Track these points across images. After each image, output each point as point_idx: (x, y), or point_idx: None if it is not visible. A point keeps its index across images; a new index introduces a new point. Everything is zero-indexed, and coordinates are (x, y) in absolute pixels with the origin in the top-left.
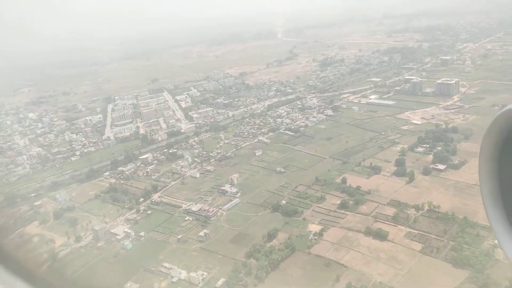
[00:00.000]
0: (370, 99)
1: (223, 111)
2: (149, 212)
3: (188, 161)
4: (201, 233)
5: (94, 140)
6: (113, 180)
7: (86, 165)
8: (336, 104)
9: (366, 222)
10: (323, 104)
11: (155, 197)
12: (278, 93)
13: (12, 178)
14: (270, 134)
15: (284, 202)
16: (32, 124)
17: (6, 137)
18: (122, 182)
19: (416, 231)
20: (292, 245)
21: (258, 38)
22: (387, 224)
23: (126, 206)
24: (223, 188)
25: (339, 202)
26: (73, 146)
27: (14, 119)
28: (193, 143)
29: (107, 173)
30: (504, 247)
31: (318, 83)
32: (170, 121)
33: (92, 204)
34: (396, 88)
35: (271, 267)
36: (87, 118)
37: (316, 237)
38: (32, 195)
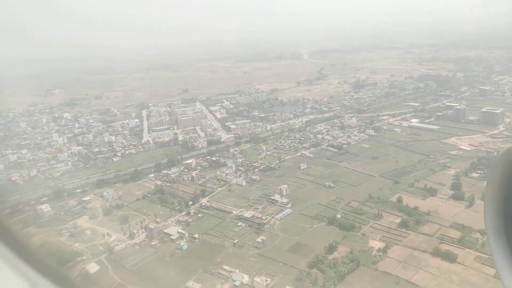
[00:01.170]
0: (412, 122)
1: (260, 124)
2: (199, 215)
3: (232, 169)
4: (258, 239)
5: (134, 143)
6: (158, 182)
7: (129, 166)
8: (376, 125)
9: (431, 243)
10: (362, 124)
11: (203, 201)
12: (314, 111)
13: (56, 174)
14: (312, 149)
15: (339, 216)
16: (68, 124)
17: (43, 134)
18: (168, 184)
19: (486, 256)
20: (357, 259)
21: (284, 58)
22: (454, 246)
23: (175, 208)
24: (272, 197)
25: (398, 220)
26: (113, 147)
27: (49, 118)
28: (235, 152)
29: (151, 175)
30: (505, 282)
31: (354, 104)
32: (208, 130)
33: (140, 204)
34: (438, 113)
35: (338, 279)
36: (124, 121)
37: (380, 254)
38: (78, 191)
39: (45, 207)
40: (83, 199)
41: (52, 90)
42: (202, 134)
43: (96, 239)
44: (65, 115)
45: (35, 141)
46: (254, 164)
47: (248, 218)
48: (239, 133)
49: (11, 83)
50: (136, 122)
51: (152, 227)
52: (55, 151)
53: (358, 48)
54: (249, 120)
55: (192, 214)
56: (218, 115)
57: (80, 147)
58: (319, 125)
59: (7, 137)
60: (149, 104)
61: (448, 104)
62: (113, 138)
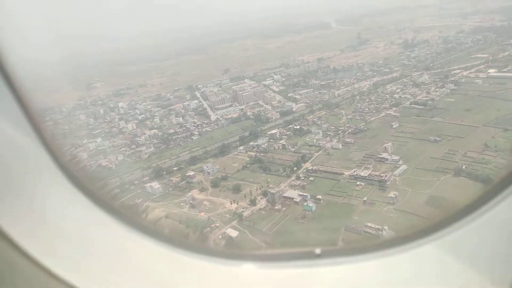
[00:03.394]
0: (490, 73)
1: (324, 91)
2: (311, 179)
3: (319, 135)
4: (390, 195)
5: (206, 121)
6: (251, 153)
7: (211, 142)
8: (452, 79)
9: None
10: (436, 79)
11: (306, 166)
12: (374, 73)
13: (143, 156)
14: (394, 108)
15: (464, 167)
16: (127, 112)
17: (108, 123)
18: (261, 154)
19: None
20: None
21: (311, 29)
22: None
23: (282, 174)
24: (380, 156)
25: None
26: (187, 127)
27: (105, 108)
28: (313, 119)
29: (241, 148)
30: None
31: (415, 62)
32: (273, 102)
33: (243, 174)
34: None
35: None
36: (184, 103)
37: None
38: (174, 168)
39: (154, 184)
40: (187, 174)
41: (93, 83)
42: (268, 107)
43: (218, 208)
44: (120, 104)
45: (104, 130)
46: (340, 128)
47: (365, 176)
48: (307, 101)
49: (49, 81)
50: (196, 103)
51: (273, 191)
52: (130, 136)
53: (386, 10)
54: (312, 89)
55: (302, 178)
56: (275, 88)
57: (154, 130)
58: (388, 85)
59: (73, 129)
60: (198, 86)
61: None
62: (180, 119)
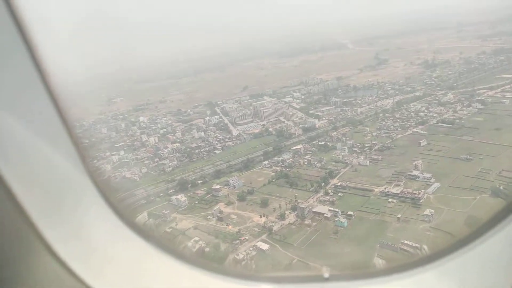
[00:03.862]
0: None
1: (346, 108)
2: (340, 194)
3: (345, 151)
4: (426, 213)
5: (228, 136)
6: (277, 168)
7: (234, 156)
8: (478, 98)
9: None
10: (462, 99)
11: (334, 182)
12: (396, 92)
13: (167, 169)
14: (420, 127)
15: (501, 187)
16: (149, 126)
17: (130, 137)
18: (287, 169)
19: None
20: None
21: (327, 49)
22: None
23: (309, 190)
24: (410, 173)
25: None
26: (209, 141)
27: (126, 122)
28: (337, 136)
29: (265, 162)
30: None
31: (438, 82)
32: (294, 119)
33: (269, 188)
34: None
35: None
36: (205, 119)
37: None
38: (199, 182)
39: (181, 197)
40: (212, 187)
41: (113, 99)
42: (290, 123)
43: (246, 222)
44: (141, 118)
45: (126, 143)
46: (366, 145)
47: (397, 193)
48: (330, 118)
49: (68, 96)
50: (217, 118)
51: (303, 206)
52: (153, 149)
53: (402, 32)
54: (334, 106)
55: (331, 194)
56: (295, 105)
57: (177, 144)
58: (412, 104)
59: (95, 142)
60: (218, 102)
61: None
62: (202, 134)
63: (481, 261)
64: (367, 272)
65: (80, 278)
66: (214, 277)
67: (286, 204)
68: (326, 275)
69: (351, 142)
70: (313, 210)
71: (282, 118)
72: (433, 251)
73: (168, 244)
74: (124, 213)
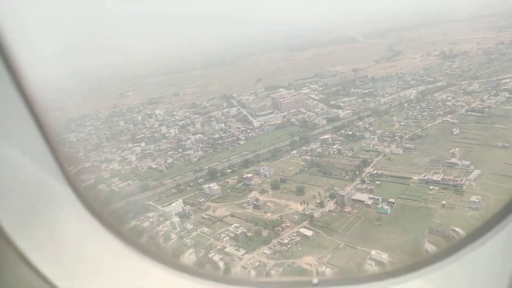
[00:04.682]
0: None
1: (369, 99)
2: (377, 182)
3: (375, 140)
4: (473, 199)
5: (250, 127)
6: (307, 157)
7: (259, 147)
8: (505, 87)
9: None
10: (488, 88)
11: (369, 170)
12: (418, 82)
13: (193, 159)
14: (449, 116)
15: None
16: (166, 118)
17: (150, 128)
18: (317, 159)
19: None
20: None
21: (337, 43)
22: None
23: (345, 178)
24: (448, 161)
25: None
26: (232, 132)
27: (143, 115)
28: (364, 125)
29: (294, 152)
30: None
31: (460, 72)
32: (315, 110)
33: (302, 177)
34: None
35: None
36: (223, 110)
37: None
38: (228, 171)
39: (213, 185)
40: (244, 176)
41: (125, 93)
42: (311, 114)
43: (284, 209)
44: (157, 111)
45: (146, 135)
46: (396, 134)
47: (438, 181)
48: (354, 109)
49: (81, 91)
50: (236, 110)
51: (342, 194)
52: (175, 141)
53: (413, 25)
54: (355, 97)
55: (368, 182)
56: (314, 96)
57: (199, 135)
58: (436, 94)
59: (114, 134)
60: (234, 95)
61: None
62: (222, 125)
63: (473, 268)
64: (356, 277)
65: (53, 283)
66: (198, 282)
67: (325, 192)
68: (315, 280)
69: (379, 131)
70: (352, 197)
71: (302, 109)
72: (424, 257)
73: (146, 245)
74: (102, 216)
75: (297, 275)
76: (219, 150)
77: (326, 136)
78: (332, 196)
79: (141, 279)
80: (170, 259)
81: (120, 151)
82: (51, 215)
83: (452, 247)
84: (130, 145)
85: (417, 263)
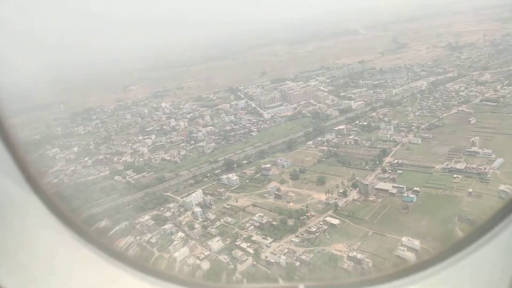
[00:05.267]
0: None
1: (380, 90)
2: (399, 172)
3: (391, 131)
4: (502, 188)
5: (261, 119)
6: (323, 148)
7: (272, 138)
8: None
9: None
10: (500, 78)
11: (389, 160)
12: (427, 73)
13: (207, 151)
14: (464, 105)
15: None
16: (173, 111)
17: (158, 121)
18: (333, 149)
19: None
20: None
21: (339, 36)
22: None
23: (365, 168)
24: (469, 150)
25: None
26: (243, 124)
27: (149, 108)
28: (378, 116)
29: (310, 142)
30: None
31: (469, 63)
32: (326, 101)
33: (320, 167)
34: None
35: None
36: (232, 103)
37: None
38: (244, 162)
39: (232, 176)
40: (262, 167)
41: (128, 86)
42: (322, 106)
43: (307, 199)
44: (163, 104)
45: (155, 127)
46: (412, 124)
47: (462, 169)
48: (365, 100)
49: (82, 85)
50: (244, 103)
51: (366, 183)
52: (185, 133)
53: (415, 17)
54: (365, 88)
55: (389, 171)
56: (323, 88)
57: (210, 127)
58: (448, 84)
59: (122, 127)
60: (239, 88)
61: None
62: (232, 117)
63: (473, 269)
64: (344, 283)
65: None
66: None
67: (348, 181)
68: (302, 286)
69: (395, 121)
70: (375, 187)
71: (312, 101)
72: (422, 259)
73: (118, 251)
74: (72, 221)
75: (327, 261)
76: (232, 141)
77: (341, 127)
78: (354, 186)
79: (112, 286)
80: (143, 265)
81: (131, 144)
82: (16, 222)
83: (451, 249)
84: (140, 137)
85: (414, 266)
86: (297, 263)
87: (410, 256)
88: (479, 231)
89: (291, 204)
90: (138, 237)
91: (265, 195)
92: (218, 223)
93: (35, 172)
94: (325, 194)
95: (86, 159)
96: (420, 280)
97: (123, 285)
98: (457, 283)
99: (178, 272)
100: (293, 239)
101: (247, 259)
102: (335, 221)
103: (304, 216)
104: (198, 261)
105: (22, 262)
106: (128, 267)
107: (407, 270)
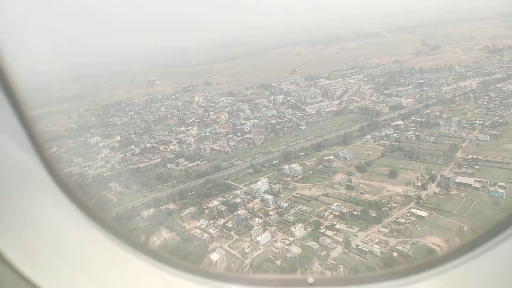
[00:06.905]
0: None
1: (427, 88)
2: (476, 167)
3: (453, 127)
4: None
5: (307, 114)
6: (385, 142)
7: (323, 132)
8: None
9: None
10: None
11: (460, 155)
12: (473, 74)
13: (257, 142)
14: None
15: None
16: (208, 105)
17: (196, 114)
18: (395, 143)
19: None
20: None
21: (361, 38)
22: None
23: (437, 162)
24: None
25: None
26: (289, 118)
27: (183, 102)
28: (434, 113)
29: (368, 137)
30: None
31: None
32: (371, 98)
33: (386, 161)
34: None
35: None
36: (270, 98)
37: None
38: (301, 154)
39: (295, 166)
40: (324, 158)
41: (154, 81)
42: (367, 102)
43: (381, 191)
44: (196, 98)
45: (195, 119)
46: (473, 121)
47: None
48: (415, 97)
49: (104, 80)
50: (283, 98)
51: (448, 176)
52: (229, 125)
53: (439, 22)
54: (411, 87)
55: (465, 166)
56: (363, 85)
57: (254, 120)
58: (499, 84)
59: (159, 119)
60: (273, 84)
61: None
62: (274, 112)
63: (487, 268)
64: (352, 277)
65: (32, 281)
66: (187, 278)
67: (423, 175)
68: (311, 280)
69: (456, 118)
70: (455, 180)
71: (355, 97)
72: (433, 258)
73: (129, 235)
74: (83, 203)
75: (425, 254)
76: (281, 134)
77: (398, 122)
78: (431, 179)
79: (124, 271)
80: (154, 250)
81: (174, 134)
82: (27, 201)
83: (465, 247)
84: (183, 128)
85: (431, 262)
86: (395, 254)
87: None
88: (495, 229)
89: (365, 195)
90: (211, 221)
91: (335, 185)
92: (292, 211)
93: (51, 157)
94: (406, 186)
95: (132, 147)
96: (432, 277)
97: (131, 270)
98: (469, 282)
99: (268, 256)
100: (380, 229)
101: (336, 246)
102: (423, 213)
103: (386, 208)
104: (285, 246)
105: (30, 238)
106: (141, 253)
107: (419, 267)
